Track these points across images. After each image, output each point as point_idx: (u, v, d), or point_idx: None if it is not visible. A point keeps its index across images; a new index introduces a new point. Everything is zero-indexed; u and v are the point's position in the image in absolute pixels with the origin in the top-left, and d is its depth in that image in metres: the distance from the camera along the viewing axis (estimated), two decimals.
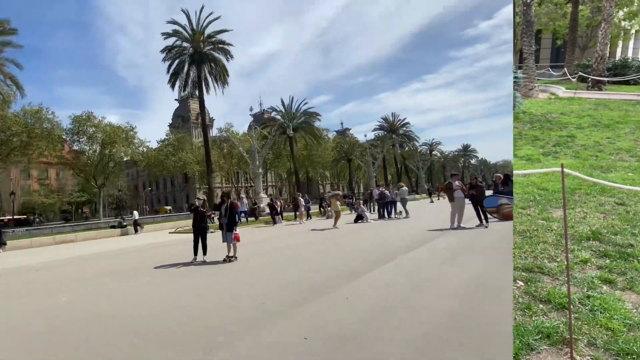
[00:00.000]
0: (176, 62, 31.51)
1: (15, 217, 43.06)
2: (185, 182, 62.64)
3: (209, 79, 33.42)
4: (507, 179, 11.51)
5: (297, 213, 18.74)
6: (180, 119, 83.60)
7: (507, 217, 10.10)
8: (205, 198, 9.15)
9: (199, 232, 8.02)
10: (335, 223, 13.81)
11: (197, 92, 32.78)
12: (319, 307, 4.16)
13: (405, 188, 17.10)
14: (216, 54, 33.20)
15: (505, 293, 3.97)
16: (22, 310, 4.97)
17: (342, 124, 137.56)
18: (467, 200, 10.38)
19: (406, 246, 8.20)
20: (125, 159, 41.83)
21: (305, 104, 46.42)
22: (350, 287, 4.97)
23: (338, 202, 14.94)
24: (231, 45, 33.31)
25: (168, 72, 31.92)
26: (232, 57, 33.51)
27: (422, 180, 68.90)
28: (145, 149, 44.80)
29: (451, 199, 10.39)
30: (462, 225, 10.12)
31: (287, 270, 6.73)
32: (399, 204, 16.30)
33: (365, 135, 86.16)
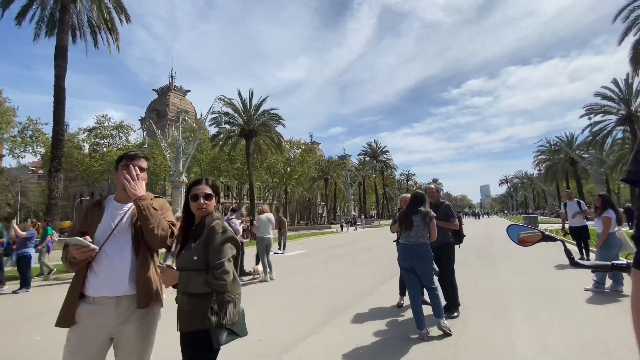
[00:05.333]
0: None
1: None
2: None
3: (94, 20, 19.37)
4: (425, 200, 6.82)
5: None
6: (155, 113, 69.41)
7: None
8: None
9: None
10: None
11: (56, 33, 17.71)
12: None
13: (265, 216, 9.02)
14: None
15: None
16: None
17: (344, 149, 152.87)
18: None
19: None
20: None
21: (265, 100, 35.09)
22: None
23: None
24: None
25: None
26: None
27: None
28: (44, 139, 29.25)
29: None
30: None
31: None
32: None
33: (350, 156, 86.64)
